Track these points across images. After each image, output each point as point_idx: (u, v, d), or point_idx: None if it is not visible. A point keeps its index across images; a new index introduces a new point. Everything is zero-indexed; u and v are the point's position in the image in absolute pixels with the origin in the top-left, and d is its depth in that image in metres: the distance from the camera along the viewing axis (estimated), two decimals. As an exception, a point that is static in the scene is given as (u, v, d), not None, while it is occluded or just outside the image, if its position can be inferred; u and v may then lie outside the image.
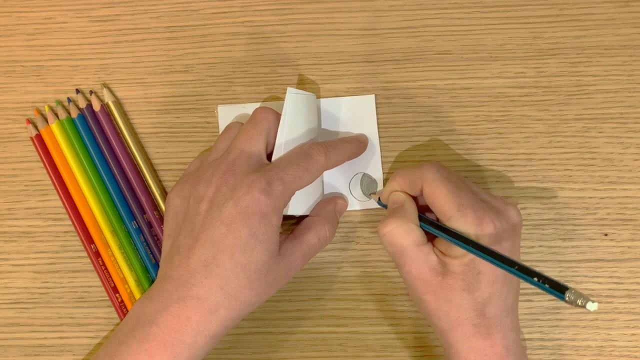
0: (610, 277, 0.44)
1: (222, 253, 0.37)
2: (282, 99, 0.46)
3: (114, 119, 0.47)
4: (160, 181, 0.47)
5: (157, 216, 0.46)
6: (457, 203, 0.37)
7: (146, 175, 0.46)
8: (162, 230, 0.45)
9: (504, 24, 0.46)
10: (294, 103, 0.41)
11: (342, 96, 0.46)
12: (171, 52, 0.47)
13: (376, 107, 0.46)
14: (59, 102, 0.47)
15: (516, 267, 0.34)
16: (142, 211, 0.46)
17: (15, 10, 0.48)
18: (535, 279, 0.33)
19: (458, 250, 0.37)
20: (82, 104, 0.46)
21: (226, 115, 0.46)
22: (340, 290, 0.45)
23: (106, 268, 0.45)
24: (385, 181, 0.45)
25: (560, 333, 0.44)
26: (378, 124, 0.46)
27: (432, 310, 0.39)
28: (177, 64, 0.47)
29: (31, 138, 0.46)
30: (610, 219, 0.44)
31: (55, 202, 0.46)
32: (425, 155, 0.46)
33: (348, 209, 0.45)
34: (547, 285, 0.33)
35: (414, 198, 0.41)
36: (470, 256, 0.37)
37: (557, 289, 0.32)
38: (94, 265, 0.45)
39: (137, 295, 0.45)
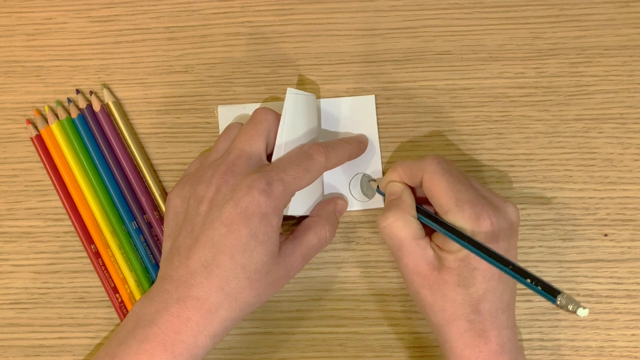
0: (610, 277, 0.44)
1: (222, 254, 0.37)
2: (282, 99, 0.46)
3: (114, 119, 0.47)
4: (160, 181, 0.47)
5: (157, 217, 0.46)
6: (456, 197, 0.37)
7: (146, 175, 0.46)
8: (162, 231, 0.45)
9: (504, 24, 0.46)
10: (293, 103, 0.41)
11: (342, 96, 0.46)
12: (171, 52, 0.47)
13: (376, 107, 0.46)
14: (59, 103, 0.47)
15: (510, 266, 0.34)
16: (142, 211, 0.46)
17: (15, 11, 0.48)
18: (528, 280, 0.33)
19: (454, 245, 0.37)
20: (82, 104, 0.46)
21: (226, 115, 0.46)
22: (340, 290, 0.45)
23: (106, 268, 0.45)
24: (385, 181, 0.45)
25: (560, 333, 0.44)
26: (378, 124, 0.46)
27: (427, 304, 0.39)
28: (177, 64, 0.47)
29: (31, 138, 0.46)
30: (610, 219, 0.44)
31: (55, 202, 0.46)
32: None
33: (348, 209, 0.45)
34: (539, 288, 0.33)
35: (413, 189, 0.41)
36: (465, 252, 0.37)
37: (550, 292, 0.32)
38: (94, 266, 0.45)
39: (137, 295, 0.45)
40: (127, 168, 0.46)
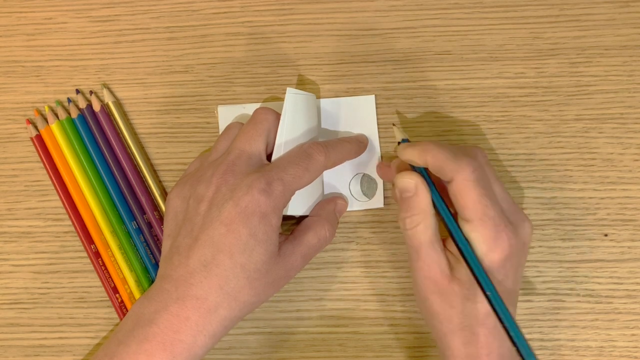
0: (611, 277, 0.44)
1: (222, 253, 0.37)
2: (283, 99, 0.46)
3: (114, 119, 0.47)
4: (160, 181, 0.47)
5: (157, 216, 0.46)
6: (482, 211, 0.36)
7: (146, 175, 0.46)
8: (162, 231, 0.45)
9: (504, 24, 0.46)
10: (293, 103, 0.41)
11: (342, 96, 0.46)
12: (171, 52, 0.47)
13: (376, 107, 0.46)
14: (59, 103, 0.47)
15: (498, 316, 0.36)
16: (142, 211, 0.46)
17: (15, 11, 0.48)
18: (512, 336, 0.36)
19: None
20: (82, 104, 0.46)
21: (226, 115, 0.46)
22: (340, 291, 0.45)
23: (106, 268, 0.45)
24: (385, 182, 0.45)
25: (560, 333, 0.44)
26: (378, 124, 0.46)
27: (435, 311, 0.38)
28: (177, 64, 0.47)
29: (31, 138, 0.46)
30: (610, 219, 0.44)
31: (55, 202, 0.46)
32: (425, 156, 0.46)
33: (348, 209, 0.45)
34: (516, 348, 0.35)
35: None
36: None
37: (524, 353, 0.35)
38: (94, 266, 0.45)
39: (137, 295, 0.45)
40: (127, 168, 0.46)
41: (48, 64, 0.48)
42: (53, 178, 0.46)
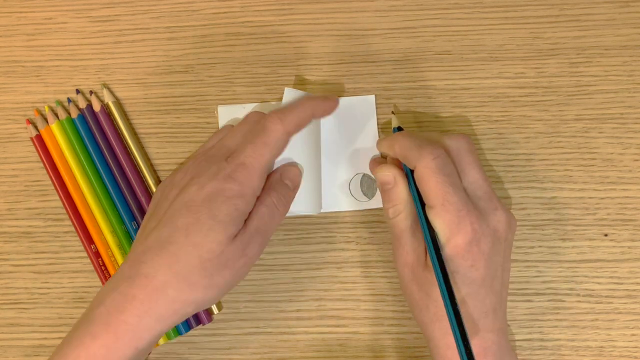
0: (611, 277, 0.44)
1: (178, 231, 0.36)
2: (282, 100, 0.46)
3: (114, 119, 0.47)
4: (160, 182, 0.47)
5: (157, 216, 0.46)
6: (443, 197, 0.37)
7: (146, 175, 0.46)
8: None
9: (504, 24, 0.46)
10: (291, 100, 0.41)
11: (342, 96, 0.46)
12: (171, 52, 0.47)
13: (376, 107, 0.46)
14: (59, 103, 0.47)
15: (452, 305, 0.36)
16: (142, 211, 0.46)
17: (15, 11, 0.48)
18: (459, 336, 0.35)
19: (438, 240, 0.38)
20: (82, 104, 0.46)
21: (226, 115, 0.46)
22: (340, 291, 0.45)
23: (106, 268, 0.45)
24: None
25: (560, 333, 0.44)
26: (378, 124, 0.46)
27: (414, 300, 0.39)
28: (177, 64, 0.47)
29: (31, 138, 0.46)
30: (610, 219, 0.44)
31: (55, 202, 0.46)
32: (425, 156, 0.46)
33: (348, 209, 0.45)
34: (462, 344, 0.35)
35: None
36: (445, 252, 0.37)
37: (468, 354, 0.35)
38: (94, 266, 0.45)
39: (137, 295, 0.45)
40: (127, 168, 0.46)
41: (48, 64, 0.48)
42: (53, 178, 0.46)
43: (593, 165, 0.45)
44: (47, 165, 0.46)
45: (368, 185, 0.45)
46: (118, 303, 0.35)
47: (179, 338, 0.45)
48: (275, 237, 0.45)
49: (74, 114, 0.46)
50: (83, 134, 0.46)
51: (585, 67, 0.46)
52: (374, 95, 0.46)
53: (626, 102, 0.45)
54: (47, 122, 0.46)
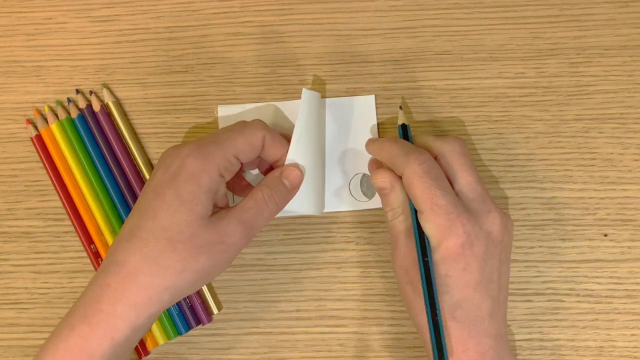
0: (610, 277, 0.44)
1: (146, 215, 0.36)
2: (282, 100, 0.46)
3: (114, 119, 0.47)
4: (160, 181, 0.47)
5: (157, 216, 0.46)
6: (431, 201, 0.37)
7: (146, 175, 0.46)
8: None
9: (504, 24, 0.46)
10: (308, 102, 0.42)
11: (342, 96, 0.46)
12: (171, 52, 0.47)
13: (376, 107, 0.46)
14: (59, 103, 0.47)
15: (431, 312, 0.36)
16: (142, 211, 0.46)
17: (15, 11, 0.48)
18: (433, 331, 0.36)
19: (430, 243, 0.37)
20: (82, 104, 0.46)
21: (226, 115, 0.46)
22: (340, 291, 0.45)
23: (106, 268, 0.45)
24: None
25: (560, 333, 0.44)
26: (378, 124, 0.46)
27: (410, 302, 0.39)
28: (177, 64, 0.47)
29: (31, 138, 0.46)
30: (610, 219, 0.44)
31: (55, 202, 0.46)
32: (425, 156, 0.46)
33: (348, 209, 0.45)
34: (433, 338, 0.36)
35: None
36: (437, 255, 0.37)
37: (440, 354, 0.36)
38: (94, 266, 0.45)
39: (137, 295, 0.45)
40: (127, 168, 0.46)
41: (48, 64, 0.48)
42: (53, 178, 0.46)
43: (593, 165, 0.45)
44: (47, 165, 0.46)
45: (368, 185, 0.45)
46: (94, 294, 0.36)
47: (179, 338, 0.45)
48: (275, 237, 0.45)
49: (74, 114, 0.46)
50: (83, 134, 0.46)
51: (585, 67, 0.46)
52: (374, 95, 0.46)
53: (626, 102, 0.45)
54: (47, 122, 0.46)
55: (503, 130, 0.46)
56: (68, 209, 0.46)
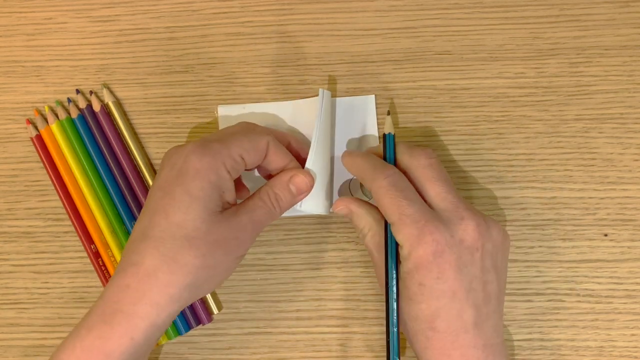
0: (610, 277, 0.44)
1: (157, 215, 0.36)
2: (282, 100, 0.46)
3: (114, 119, 0.47)
4: (160, 181, 0.47)
5: (157, 216, 0.46)
6: (399, 212, 0.37)
7: (146, 175, 0.46)
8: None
9: (504, 24, 0.46)
10: (327, 103, 0.42)
11: (342, 96, 0.46)
12: (171, 52, 0.47)
13: (376, 107, 0.46)
14: (59, 103, 0.47)
15: (388, 319, 0.37)
16: (142, 211, 0.46)
17: (15, 11, 0.48)
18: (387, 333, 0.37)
19: (402, 253, 0.37)
20: (82, 104, 0.46)
21: (226, 115, 0.46)
22: (340, 290, 0.45)
23: (106, 268, 0.45)
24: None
25: (560, 333, 0.44)
26: (378, 124, 0.46)
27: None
28: (177, 64, 0.47)
29: (31, 138, 0.46)
30: (610, 219, 0.44)
31: (55, 202, 0.46)
32: (425, 156, 0.46)
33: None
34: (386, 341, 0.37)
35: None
36: (409, 265, 0.37)
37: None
38: (94, 266, 0.45)
39: (137, 295, 0.45)
40: (127, 168, 0.46)
41: (48, 64, 0.48)
42: (53, 178, 0.46)
43: (593, 165, 0.45)
44: (47, 165, 0.46)
45: (368, 185, 0.45)
46: (113, 294, 0.35)
47: (179, 338, 0.45)
48: (275, 237, 0.46)
49: (74, 114, 0.46)
50: (83, 134, 0.46)
51: (585, 67, 0.46)
52: (374, 95, 0.46)
53: (626, 102, 0.45)
54: (47, 122, 0.46)
55: (503, 130, 0.46)
56: (68, 209, 0.46)
